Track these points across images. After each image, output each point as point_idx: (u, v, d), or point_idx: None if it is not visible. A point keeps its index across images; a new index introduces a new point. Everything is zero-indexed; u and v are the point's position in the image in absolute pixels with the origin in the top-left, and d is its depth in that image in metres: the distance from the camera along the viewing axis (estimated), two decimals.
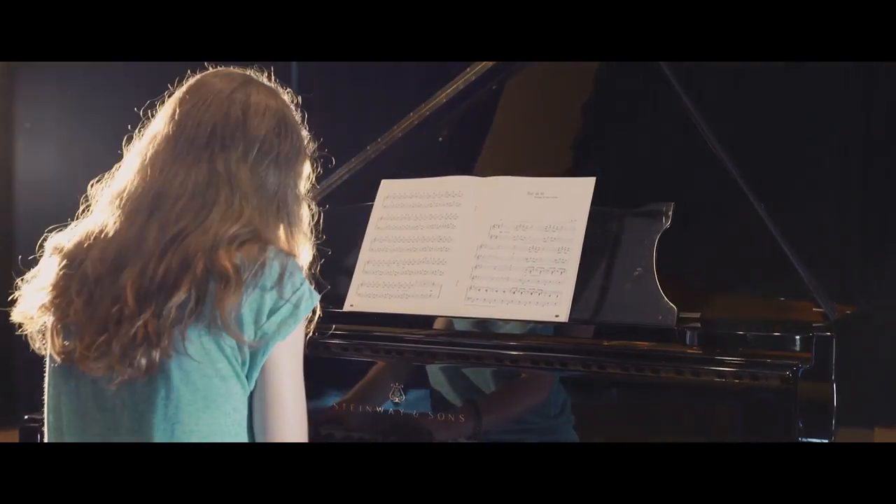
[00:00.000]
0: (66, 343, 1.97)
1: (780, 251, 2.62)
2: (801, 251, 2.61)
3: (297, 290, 1.96)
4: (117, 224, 1.98)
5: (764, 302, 2.82)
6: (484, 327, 2.62)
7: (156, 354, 1.90)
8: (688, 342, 2.38)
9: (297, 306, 1.95)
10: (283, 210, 2.06)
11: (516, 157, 3.00)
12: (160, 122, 2.07)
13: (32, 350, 2.06)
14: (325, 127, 2.37)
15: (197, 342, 1.91)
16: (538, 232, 2.65)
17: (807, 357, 2.24)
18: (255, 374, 1.95)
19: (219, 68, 2.16)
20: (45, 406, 2.06)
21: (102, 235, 1.99)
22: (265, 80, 2.14)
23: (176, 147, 2.02)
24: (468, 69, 2.96)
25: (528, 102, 3.07)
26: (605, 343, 2.47)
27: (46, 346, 2.04)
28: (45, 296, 2.00)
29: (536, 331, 2.55)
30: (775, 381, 2.25)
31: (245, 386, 1.96)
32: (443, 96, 2.97)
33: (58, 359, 1.99)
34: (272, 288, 1.94)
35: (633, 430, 2.42)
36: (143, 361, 1.90)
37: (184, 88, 2.10)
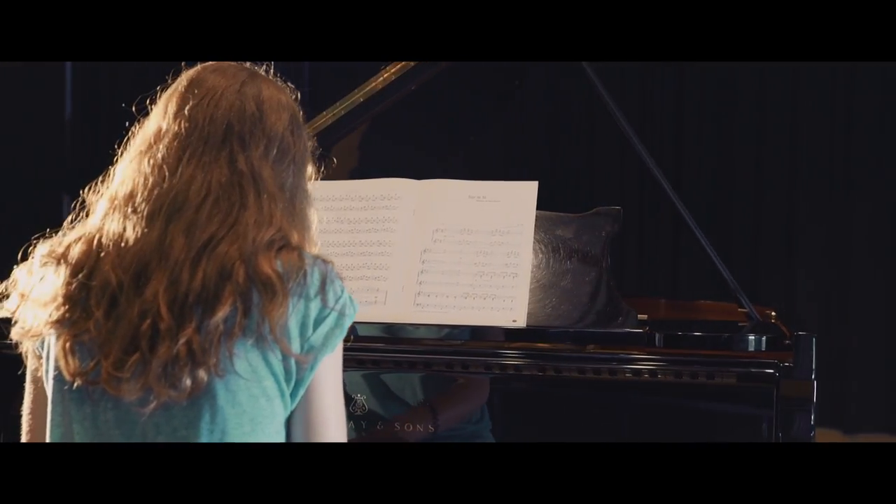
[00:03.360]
0: (85, 363, 1.76)
1: (704, 253, 2.72)
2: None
3: (340, 297, 1.85)
4: (136, 230, 1.80)
5: (691, 304, 2.92)
6: (433, 333, 2.56)
7: (202, 373, 1.73)
8: (657, 344, 2.42)
9: (342, 314, 1.84)
10: (299, 213, 1.94)
11: (439, 160, 2.96)
12: (162, 119, 1.89)
13: None
14: None
15: (244, 358, 1.76)
16: (484, 236, 2.63)
17: (788, 356, 2.33)
18: (301, 392, 1.82)
19: (216, 62, 1.99)
20: (47, 437, 1.84)
21: (122, 242, 1.79)
22: (267, 75, 2.00)
23: (189, 146, 1.85)
24: (388, 67, 2.87)
25: (442, 104, 3.04)
26: (565, 347, 2.48)
27: (47, 368, 1.82)
28: (56, 310, 1.78)
29: (490, 336, 2.52)
30: (756, 381, 2.33)
31: (288, 406, 1.82)
32: (359, 95, 2.88)
33: (74, 381, 1.77)
34: (316, 296, 1.82)
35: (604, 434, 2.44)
36: (188, 382, 1.73)
37: (183, 83, 1.92)
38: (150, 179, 1.83)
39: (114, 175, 1.91)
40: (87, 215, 1.91)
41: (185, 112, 1.87)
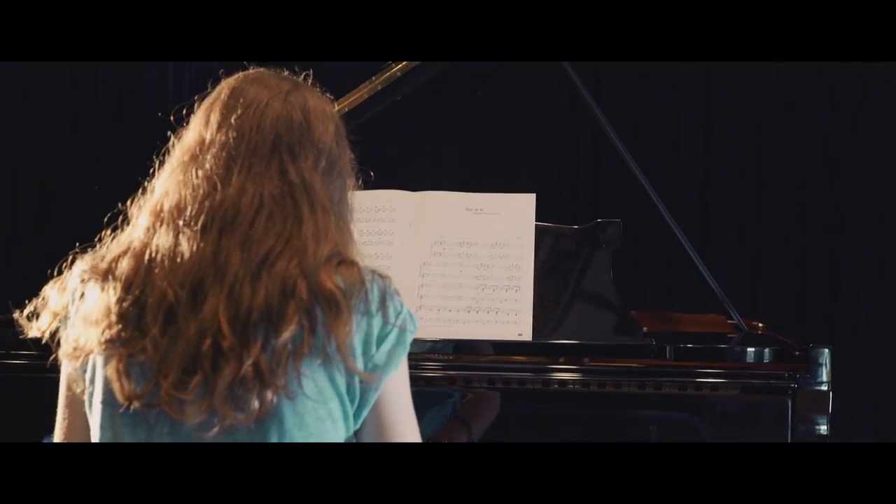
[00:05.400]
0: (140, 385, 1.67)
1: (691, 264, 2.73)
2: None
3: (400, 312, 1.79)
4: (191, 243, 1.71)
5: (668, 315, 2.92)
6: (432, 347, 2.52)
7: (270, 395, 1.65)
8: (668, 357, 2.42)
9: (403, 330, 1.78)
10: (346, 227, 1.88)
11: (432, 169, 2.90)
12: (205, 129, 1.80)
13: None
14: None
15: (311, 378, 1.69)
16: (484, 249, 2.59)
17: (798, 368, 2.35)
18: (364, 414, 1.76)
19: (253, 70, 1.91)
20: None
21: (177, 257, 1.70)
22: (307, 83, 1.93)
23: (238, 156, 1.77)
24: (385, 68, 2.81)
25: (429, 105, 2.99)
26: (574, 360, 2.46)
27: (92, 392, 1.72)
28: (108, 329, 1.68)
29: (497, 350, 2.50)
30: (772, 393, 2.35)
31: (350, 428, 1.76)
32: (355, 97, 2.81)
33: (130, 404, 1.67)
34: (377, 312, 1.76)
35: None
36: (256, 404, 1.65)
37: (225, 92, 1.84)
38: (200, 191, 1.75)
39: (153, 187, 1.81)
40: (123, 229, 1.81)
41: (231, 122, 1.79)
